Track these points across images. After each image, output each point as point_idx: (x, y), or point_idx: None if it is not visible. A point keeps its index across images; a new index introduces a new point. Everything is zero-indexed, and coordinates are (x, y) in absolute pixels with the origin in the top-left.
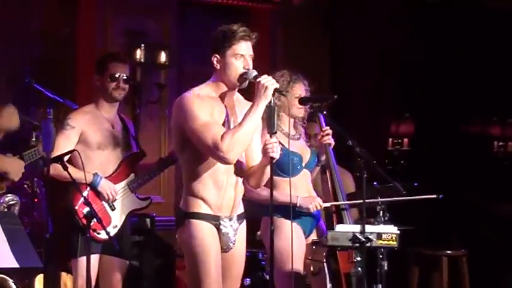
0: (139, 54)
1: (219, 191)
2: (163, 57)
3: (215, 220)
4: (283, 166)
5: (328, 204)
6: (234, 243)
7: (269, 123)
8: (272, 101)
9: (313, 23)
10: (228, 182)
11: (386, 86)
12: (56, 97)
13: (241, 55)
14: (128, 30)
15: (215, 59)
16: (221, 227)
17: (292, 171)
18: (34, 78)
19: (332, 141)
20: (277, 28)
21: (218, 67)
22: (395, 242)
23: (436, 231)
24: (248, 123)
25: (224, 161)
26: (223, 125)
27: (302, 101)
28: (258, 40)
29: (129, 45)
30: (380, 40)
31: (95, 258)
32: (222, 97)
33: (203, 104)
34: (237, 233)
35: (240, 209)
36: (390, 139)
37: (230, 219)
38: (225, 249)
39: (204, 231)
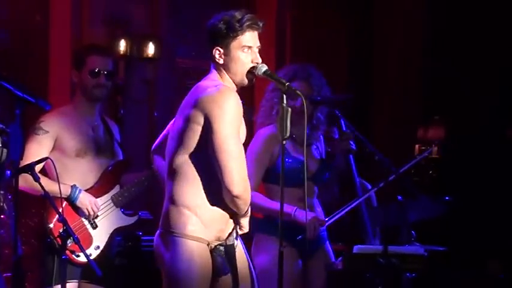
0: (123, 46)
1: (222, 221)
2: (151, 49)
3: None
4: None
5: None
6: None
7: (281, 126)
8: (285, 102)
9: (329, 5)
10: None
11: (412, 83)
12: (27, 96)
13: (248, 47)
14: (109, 17)
15: (217, 52)
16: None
17: (291, 180)
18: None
19: (353, 147)
20: (285, 12)
21: (221, 62)
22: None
23: (472, 252)
24: None
25: (231, 194)
26: None
27: (310, 102)
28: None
29: (111, 35)
30: (406, 28)
31: (72, 286)
32: None
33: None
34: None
35: None
36: (417, 145)
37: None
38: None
39: (194, 251)
